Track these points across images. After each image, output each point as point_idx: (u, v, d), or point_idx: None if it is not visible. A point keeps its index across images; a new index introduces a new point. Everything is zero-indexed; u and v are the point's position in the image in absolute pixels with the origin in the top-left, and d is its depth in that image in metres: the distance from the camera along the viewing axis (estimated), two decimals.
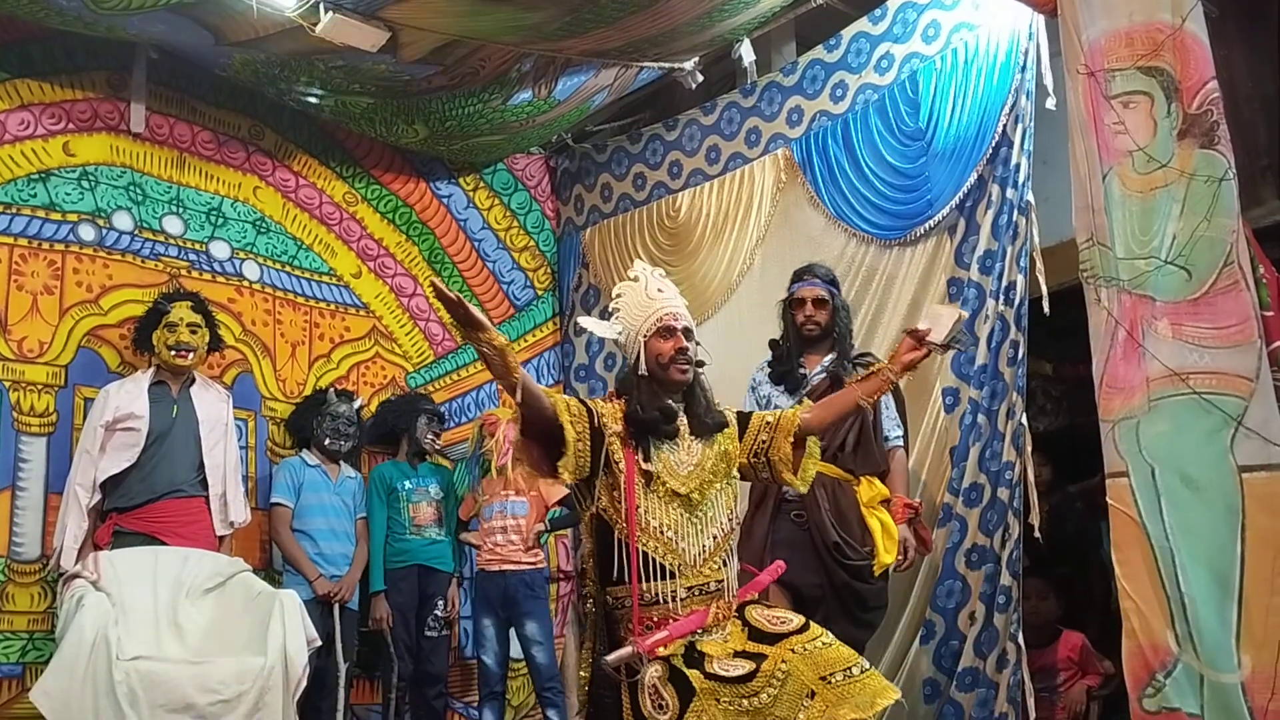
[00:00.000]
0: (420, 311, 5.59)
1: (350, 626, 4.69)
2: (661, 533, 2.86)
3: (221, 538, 4.36)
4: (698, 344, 3.05)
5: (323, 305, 5.29)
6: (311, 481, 4.76)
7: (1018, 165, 4.11)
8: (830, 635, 2.87)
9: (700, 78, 5.27)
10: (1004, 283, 4.12)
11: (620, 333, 3.04)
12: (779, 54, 5.45)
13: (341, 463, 4.89)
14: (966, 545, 4.12)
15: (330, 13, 4.16)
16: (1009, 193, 4.13)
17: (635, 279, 3.08)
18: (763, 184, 5.06)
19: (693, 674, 2.71)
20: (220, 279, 4.94)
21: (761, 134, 5.13)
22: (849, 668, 2.74)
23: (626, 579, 2.85)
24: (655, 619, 2.82)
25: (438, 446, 5.09)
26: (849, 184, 4.70)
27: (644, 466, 2.89)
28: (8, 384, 4.30)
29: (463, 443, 5.27)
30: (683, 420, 2.99)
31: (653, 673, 2.74)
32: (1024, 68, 4.11)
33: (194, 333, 4.37)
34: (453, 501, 5.08)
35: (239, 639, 3.91)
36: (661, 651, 2.75)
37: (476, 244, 5.85)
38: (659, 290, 3.05)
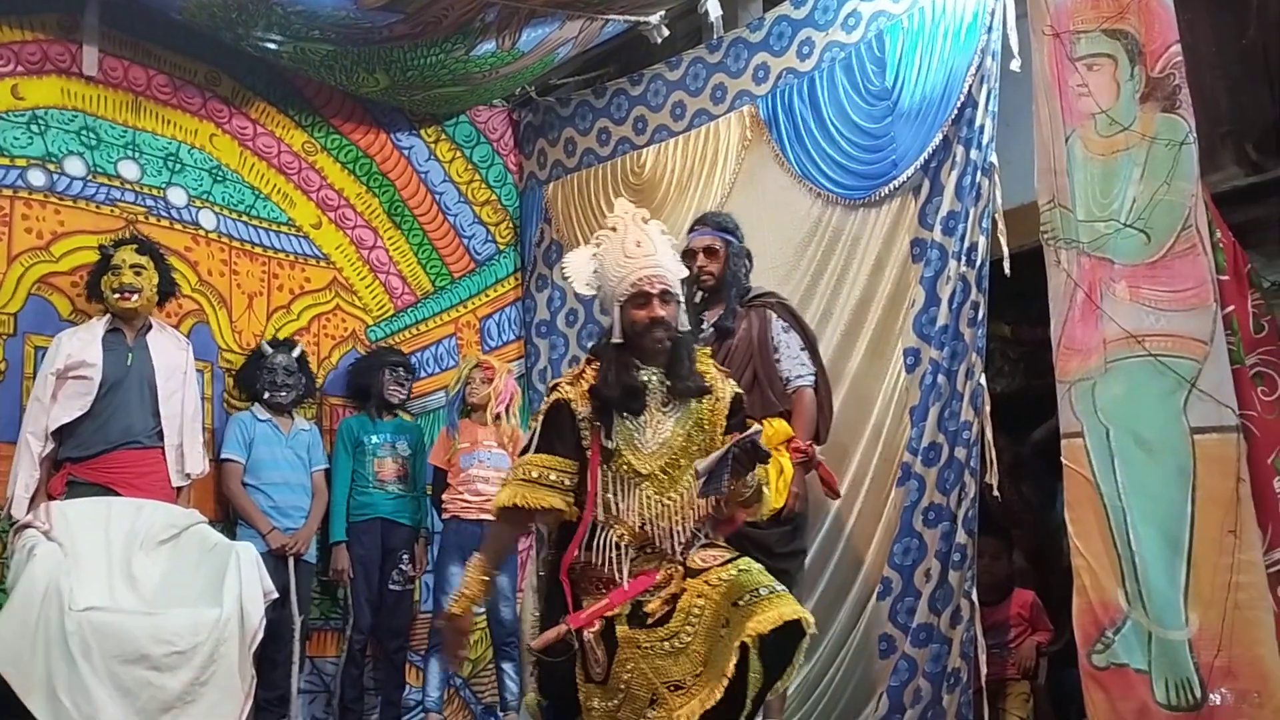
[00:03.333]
0: (381, 264, 5.53)
1: (306, 579, 4.68)
2: (626, 518, 2.76)
3: (179, 489, 4.30)
4: (679, 303, 2.83)
5: (282, 256, 5.21)
6: (263, 436, 4.72)
7: (982, 126, 4.10)
8: (752, 564, 2.77)
9: (666, 32, 5.20)
10: (966, 244, 4.13)
11: (598, 289, 2.84)
12: (745, 10, 5.39)
13: (295, 415, 4.85)
14: (924, 504, 4.16)
15: None
16: (973, 154, 4.13)
17: (614, 228, 2.82)
18: (728, 141, 5.01)
19: (620, 630, 2.68)
20: (177, 226, 4.85)
21: (727, 90, 5.09)
22: (757, 589, 2.64)
23: (578, 551, 2.77)
24: (602, 579, 2.77)
25: (400, 397, 5.03)
26: (814, 143, 4.67)
27: (604, 444, 2.76)
28: None
29: (428, 395, 5.20)
30: (657, 393, 2.81)
31: (590, 634, 2.72)
32: (990, 28, 4.09)
33: (138, 274, 4.27)
34: (422, 459, 5.02)
35: (194, 591, 3.88)
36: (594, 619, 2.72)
37: (438, 197, 5.78)
38: (637, 245, 2.79)
